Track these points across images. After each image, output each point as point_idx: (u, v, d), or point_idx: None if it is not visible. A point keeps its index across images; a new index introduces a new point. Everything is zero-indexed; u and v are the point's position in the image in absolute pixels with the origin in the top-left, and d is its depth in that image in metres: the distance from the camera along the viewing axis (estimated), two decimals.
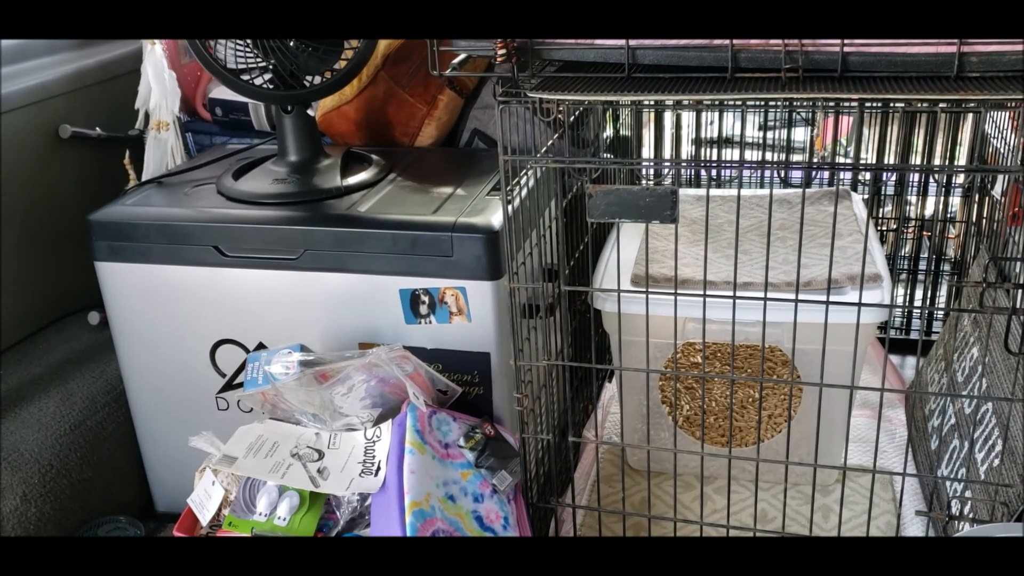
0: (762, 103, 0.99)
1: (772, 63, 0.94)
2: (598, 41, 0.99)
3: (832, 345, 1.11)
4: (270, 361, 1.16)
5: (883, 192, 1.78)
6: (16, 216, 1.53)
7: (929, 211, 1.77)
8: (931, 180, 1.72)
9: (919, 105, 0.94)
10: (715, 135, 1.85)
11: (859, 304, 1.02)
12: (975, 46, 0.89)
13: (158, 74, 1.48)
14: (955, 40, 0.88)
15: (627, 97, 0.95)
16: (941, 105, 0.94)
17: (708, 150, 1.87)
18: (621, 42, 0.97)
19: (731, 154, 1.85)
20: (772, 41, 0.93)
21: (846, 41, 0.91)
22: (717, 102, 0.96)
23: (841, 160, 1.90)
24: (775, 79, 0.94)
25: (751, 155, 1.86)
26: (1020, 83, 0.88)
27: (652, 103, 1.52)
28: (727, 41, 0.94)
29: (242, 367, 1.32)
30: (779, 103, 0.94)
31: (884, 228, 1.79)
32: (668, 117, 1.81)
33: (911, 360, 1.76)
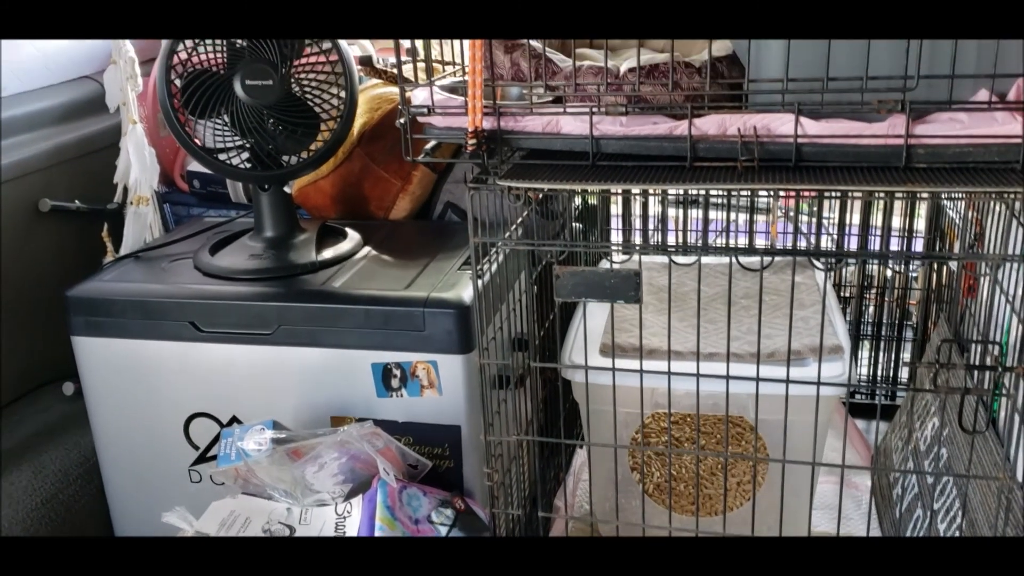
0: (724, 192, 1.03)
1: (729, 153, 0.98)
2: (564, 131, 1.03)
3: (795, 415, 1.14)
4: (243, 437, 1.17)
5: (844, 259, 1.83)
6: None
7: (891, 272, 1.82)
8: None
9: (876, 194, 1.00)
10: (681, 196, 1.89)
11: (818, 383, 1.05)
12: (921, 139, 0.94)
13: (139, 151, 1.50)
14: (902, 135, 0.93)
15: (594, 186, 0.99)
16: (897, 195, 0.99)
17: (675, 211, 1.92)
18: (586, 132, 1.01)
19: (698, 213, 1.90)
20: (729, 133, 0.98)
21: (799, 134, 0.96)
22: (681, 191, 1.00)
23: (804, 220, 1.96)
24: (733, 168, 0.99)
25: (716, 215, 1.91)
26: (964, 174, 0.93)
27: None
28: (685, 133, 0.98)
29: (215, 440, 1.33)
30: (741, 192, 0.98)
31: (847, 295, 1.83)
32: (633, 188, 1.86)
33: (875, 424, 1.80)
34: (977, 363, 1.22)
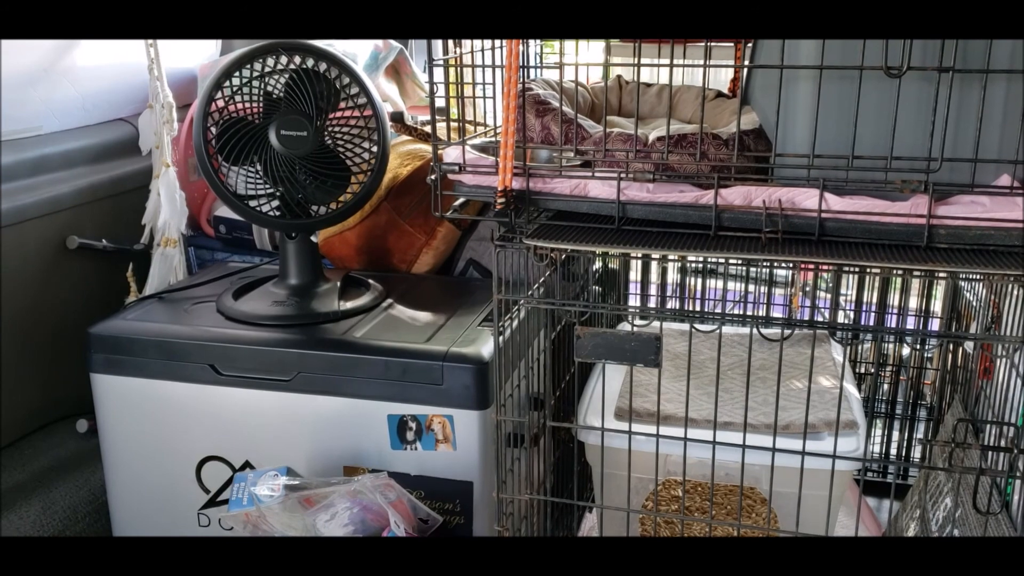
0: (743, 262, 1.04)
1: (753, 224, 1.00)
2: (591, 194, 1.05)
3: (808, 489, 1.14)
4: (256, 482, 1.18)
5: (860, 336, 1.84)
6: (18, 323, 1.56)
7: (907, 351, 1.82)
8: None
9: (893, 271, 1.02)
10: (700, 265, 1.91)
11: (833, 456, 1.05)
12: (943, 220, 0.95)
13: (170, 193, 1.53)
14: (924, 215, 0.94)
15: (622, 250, 1.01)
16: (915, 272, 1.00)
17: (693, 279, 1.94)
18: (613, 196, 1.03)
19: (716, 283, 1.91)
20: (754, 204, 0.99)
21: (823, 208, 0.97)
22: (700, 259, 1.01)
23: (821, 296, 1.97)
24: (756, 239, 1.00)
25: (734, 286, 1.92)
26: (984, 256, 0.94)
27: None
28: (711, 202, 1.00)
29: (226, 484, 1.33)
30: (760, 262, 0.99)
31: (862, 371, 1.84)
32: (655, 253, 1.88)
33: (887, 503, 1.78)
34: (992, 444, 1.22)
